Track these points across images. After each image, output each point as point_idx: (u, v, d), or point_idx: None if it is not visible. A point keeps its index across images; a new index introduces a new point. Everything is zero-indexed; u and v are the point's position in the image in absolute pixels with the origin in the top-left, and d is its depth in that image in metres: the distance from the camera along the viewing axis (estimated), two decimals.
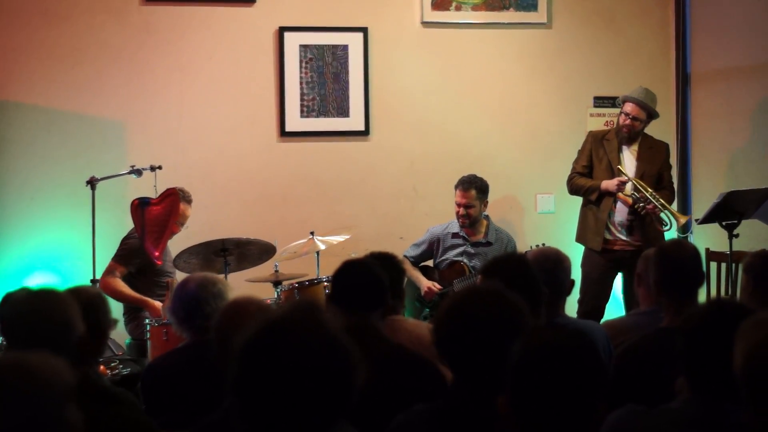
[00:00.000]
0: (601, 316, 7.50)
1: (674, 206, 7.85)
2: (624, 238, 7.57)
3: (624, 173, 7.49)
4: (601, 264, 7.59)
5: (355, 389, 2.31)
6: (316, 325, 2.31)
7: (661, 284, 4.34)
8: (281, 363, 2.23)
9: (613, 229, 7.60)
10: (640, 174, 7.55)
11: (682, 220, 7.42)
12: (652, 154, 7.65)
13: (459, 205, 7.70)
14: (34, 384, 2.24)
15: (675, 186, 8.10)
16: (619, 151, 7.65)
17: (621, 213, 7.57)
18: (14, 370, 2.26)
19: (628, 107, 7.60)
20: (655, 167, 7.63)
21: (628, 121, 7.58)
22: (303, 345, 2.26)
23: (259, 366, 2.25)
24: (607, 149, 7.67)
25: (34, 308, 3.35)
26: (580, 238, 7.79)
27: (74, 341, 3.26)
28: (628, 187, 7.50)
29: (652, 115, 7.64)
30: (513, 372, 2.57)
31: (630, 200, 7.48)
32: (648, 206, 7.39)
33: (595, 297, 7.58)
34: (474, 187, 7.69)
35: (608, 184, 7.53)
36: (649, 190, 7.41)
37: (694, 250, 4.53)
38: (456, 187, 7.73)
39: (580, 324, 4.90)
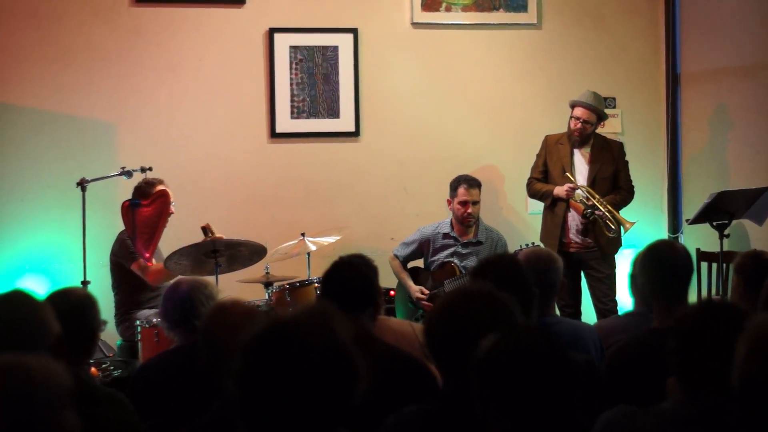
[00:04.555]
0: (579, 314, 7.57)
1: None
2: (578, 241, 7.68)
3: (572, 180, 7.57)
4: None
5: (356, 398, 2.31)
6: (326, 331, 2.31)
7: (653, 285, 4.33)
8: (286, 363, 2.23)
9: (569, 232, 7.69)
10: (592, 177, 7.66)
11: (628, 225, 7.48)
12: (603, 156, 7.73)
13: (465, 203, 7.67)
14: (31, 386, 2.22)
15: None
16: (571, 154, 7.72)
17: (575, 217, 7.67)
18: (10, 372, 2.24)
19: (578, 111, 7.68)
20: (608, 168, 7.72)
21: (579, 125, 7.66)
22: (310, 348, 2.25)
23: (264, 363, 2.25)
24: (561, 153, 7.77)
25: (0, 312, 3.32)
26: (542, 239, 7.87)
27: (49, 343, 3.23)
28: (579, 192, 7.57)
29: (601, 117, 7.76)
30: (476, 377, 2.56)
31: (581, 206, 7.55)
32: (597, 212, 7.50)
33: (565, 294, 7.62)
34: (477, 185, 7.71)
35: (559, 190, 7.66)
36: (597, 196, 7.51)
37: (685, 251, 4.52)
38: (458, 185, 7.72)
39: (571, 324, 4.90)
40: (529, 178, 7.95)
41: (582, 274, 7.78)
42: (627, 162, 7.82)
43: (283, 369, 2.23)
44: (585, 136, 7.69)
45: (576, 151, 7.74)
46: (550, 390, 2.50)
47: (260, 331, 2.31)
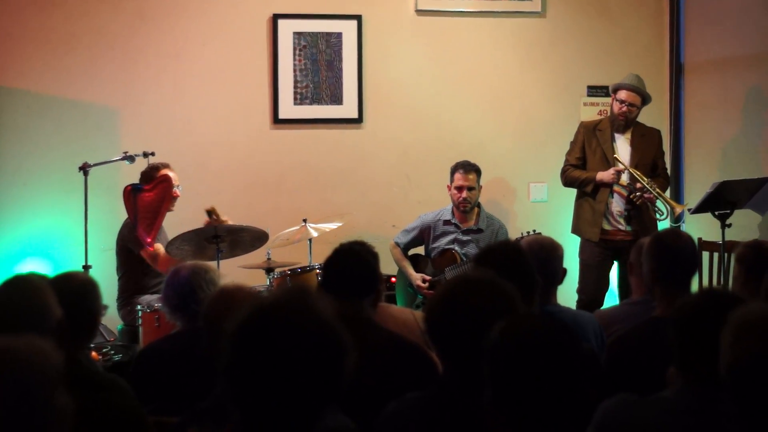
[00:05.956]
0: (601, 306, 7.50)
1: (668, 194, 7.86)
2: (623, 228, 7.54)
3: (621, 162, 7.45)
4: (599, 253, 7.57)
5: (346, 374, 2.31)
6: (308, 310, 2.31)
7: (656, 273, 4.33)
8: (272, 347, 2.23)
9: (611, 219, 7.57)
10: (635, 162, 7.53)
11: (678, 209, 7.41)
12: (646, 142, 7.64)
13: (461, 188, 7.66)
14: (21, 367, 2.23)
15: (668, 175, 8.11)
16: (612, 140, 7.63)
17: (618, 203, 7.54)
18: (0, 355, 2.25)
19: (623, 94, 7.55)
20: (649, 155, 7.62)
21: (624, 108, 7.54)
22: (294, 329, 2.25)
23: (251, 350, 2.25)
24: (600, 139, 7.63)
25: (2, 296, 3.33)
26: (575, 230, 7.76)
27: (51, 327, 3.24)
28: (624, 176, 7.48)
29: (645, 99, 7.63)
30: (488, 363, 2.56)
31: (626, 190, 7.46)
32: (645, 195, 7.39)
33: (594, 286, 7.57)
34: (474, 170, 7.68)
35: (604, 175, 7.49)
36: (646, 179, 7.39)
37: (690, 240, 4.52)
38: (455, 170, 7.70)
39: (572, 313, 4.90)
40: (565, 166, 7.79)
41: (616, 264, 7.70)
42: (663, 151, 7.80)
43: (271, 353, 2.23)
44: (630, 119, 7.59)
45: (618, 136, 7.63)
46: (562, 376, 2.50)
47: (244, 318, 2.31)
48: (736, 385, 2.45)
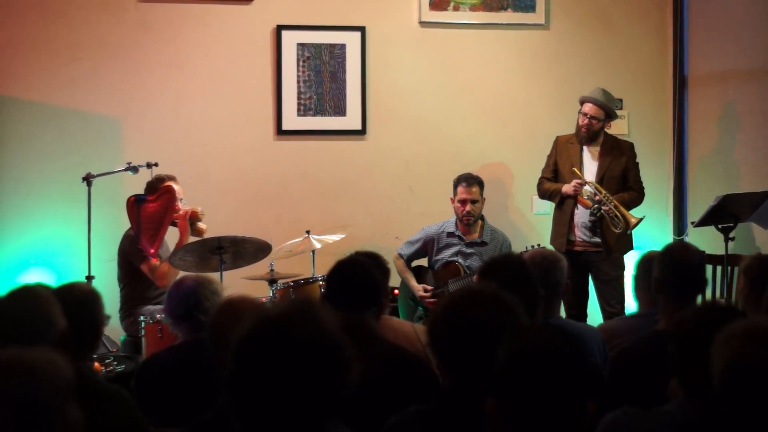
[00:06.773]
0: (585, 316, 7.55)
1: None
2: (586, 239, 7.64)
3: (579, 175, 7.56)
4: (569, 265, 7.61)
5: (350, 386, 2.31)
6: (312, 322, 2.31)
7: (662, 284, 4.33)
8: (276, 359, 2.24)
9: (575, 230, 7.66)
10: (601, 174, 7.62)
11: (633, 220, 7.43)
12: (613, 154, 7.70)
13: (464, 201, 7.67)
14: (34, 380, 2.23)
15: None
16: (580, 152, 7.73)
17: (582, 214, 7.63)
18: (14, 366, 2.25)
19: (586, 107, 7.67)
20: (617, 167, 7.68)
21: (586, 121, 7.65)
22: (298, 341, 2.26)
23: (254, 362, 2.26)
24: (570, 152, 7.75)
25: (7, 307, 3.34)
26: (551, 240, 7.87)
27: (54, 338, 3.25)
28: (587, 189, 7.54)
29: (610, 114, 7.71)
30: (499, 373, 2.57)
31: (588, 203, 7.54)
32: (603, 207, 7.45)
33: (570, 296, 7.60)
34: (477, 183, 7.71)
35: (567, 187, 7.63)
36: (603, 191, 7.48)
37: (699, 255, 4.52)
38: (458, 183, 7.72)
39: (575, 326, 4.89)
40: (540, 179, 7.94)
41: (590, 276, 7.75)
42: (637, 163, 7.79)
43: (275, 366, 2.24)
44: (592, 132, 7.66)
45: (585, 149, 7.73)
46: (571, 388, 2.51)
47: (248, 330, 2.31)
48: (727, 394, 2.46)
